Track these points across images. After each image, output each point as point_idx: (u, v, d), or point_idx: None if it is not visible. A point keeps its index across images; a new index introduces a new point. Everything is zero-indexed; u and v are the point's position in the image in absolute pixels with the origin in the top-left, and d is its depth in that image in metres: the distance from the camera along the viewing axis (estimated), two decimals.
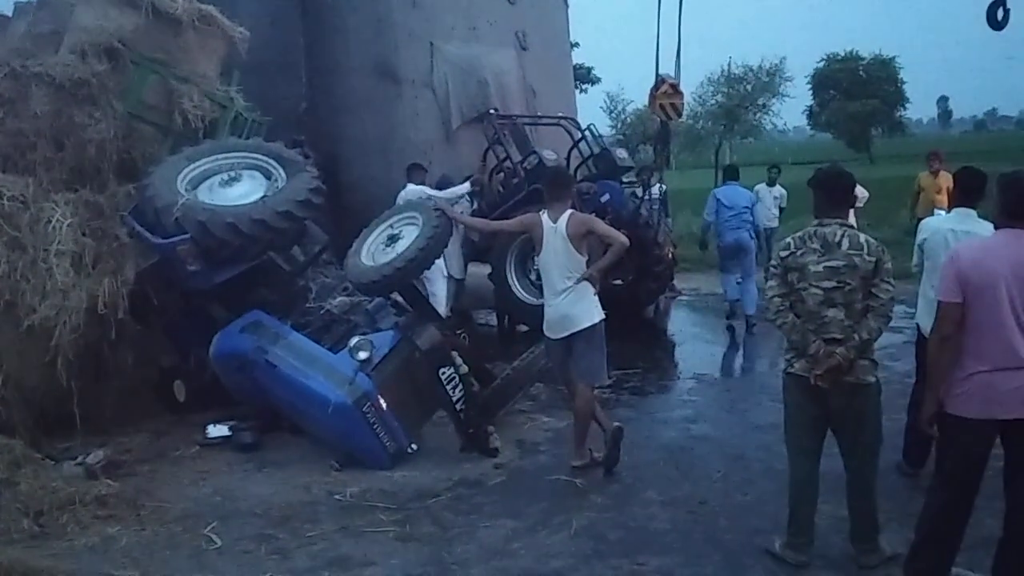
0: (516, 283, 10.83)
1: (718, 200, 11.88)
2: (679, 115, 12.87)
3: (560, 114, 13.27)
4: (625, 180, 11.79)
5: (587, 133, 12.77)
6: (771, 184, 14.72)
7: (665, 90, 11.37)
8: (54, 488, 5.92)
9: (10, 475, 5.93)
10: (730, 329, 11.86)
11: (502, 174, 11.55)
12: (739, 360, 10.50)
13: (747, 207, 11.79)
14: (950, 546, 4.44)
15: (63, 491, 5.89)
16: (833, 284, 4.67)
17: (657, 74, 11.25)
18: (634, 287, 11.50)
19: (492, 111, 12.03)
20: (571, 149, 12.35)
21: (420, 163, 10.99)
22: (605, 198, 11.08)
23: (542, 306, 9.07)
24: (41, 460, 6.35)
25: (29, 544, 5.35)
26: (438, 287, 10.32)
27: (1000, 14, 8.14)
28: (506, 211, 9.79)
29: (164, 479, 6.51)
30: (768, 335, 10.77)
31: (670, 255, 12.21)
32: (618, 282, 10.79)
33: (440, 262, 10.20)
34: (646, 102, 12.31)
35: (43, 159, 8.11)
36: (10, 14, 10.68)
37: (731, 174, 12.69)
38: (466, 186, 10.73)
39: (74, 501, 5.80)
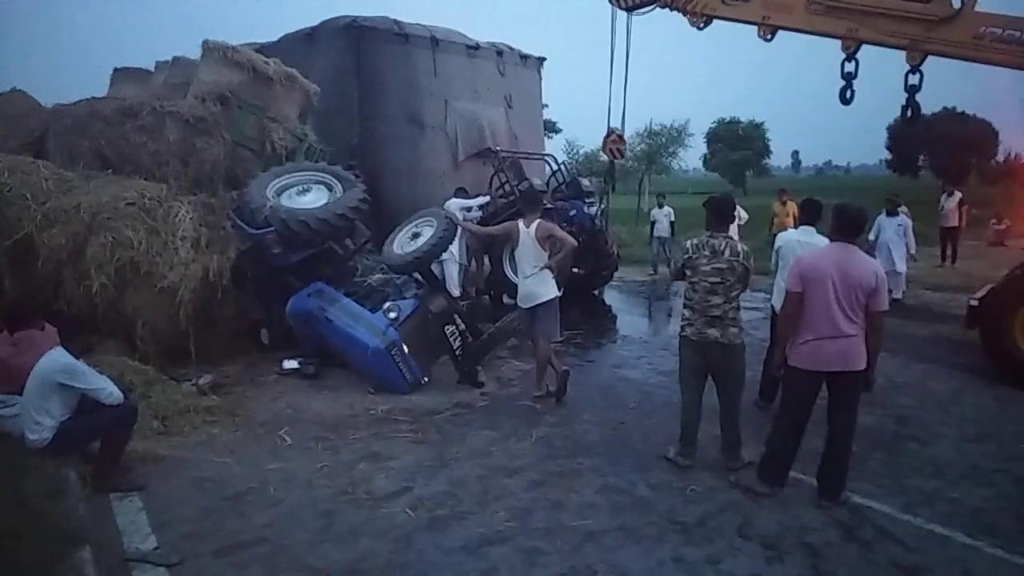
0: (509, 270, 10.78)
1: None
2: (623, 156, 12.87)
3: (544, 152, 13.31)
4: (587, 200, 11.78)
5: (562, 167, 12.77)
6: (660, 207, 14.82)
7: (613, 138, 11.34)
8: (175, 400, 5.94)
9: (145, 390, 5.92)
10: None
11: (500, 193, 11.45)
12: (650, 326, 10.53)
13: None
14: (789, 456, 4.52)
15: (181, 403, 5.92)
16: (717, 280, 4.71)
17: (608, 127, 11.20)
18: (589, 275, 11.53)
19: (496, 148, 11.92)
20: (550, 177, 12.34)
21: (464, 187, 11.13)
22: (573, 213, 11.09)
23: None
24: (167, 380, 6.33)
25: (157, 439, 5.35)
26: (452, 271, 10.37)
27: (848, 94, 8.18)
28: (504, 219, 9.68)
29: (252, 396, 6.50)
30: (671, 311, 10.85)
31: (615, 254, 12.15)
32: (578, 271, 10.81)
33: (456, 254, 10.27)
34: (596, 146, 12.29)
35: (173, 172, 8.09)
36: (152, 70, 10.58)
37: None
38: (484, 198, 10.78)
39: (189, 410, 5.83)
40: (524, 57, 13.56)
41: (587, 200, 11.74)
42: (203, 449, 5.26)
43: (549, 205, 10.99)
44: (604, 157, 12.32)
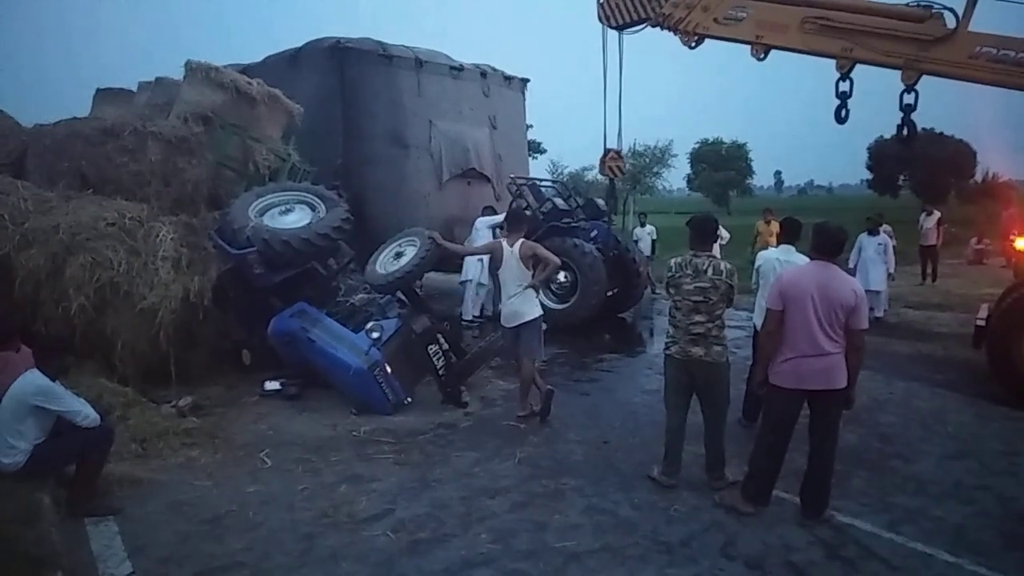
0: (541, 293, 10.44)
1: None
2: (623, 173, 12.82)
3: (555, 179, 13.38)
4: (605, 220, 11.66)
5: (574, 191, 12.67)
6: (642, 225, 14.95)
7: (612, 155, 11.30)
8: (154, 423, 5.83)
9: (123, 412, 5.83)
10: None
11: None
12: (634, 345, 10.53)
13: None
14: (772, 475, 4.52)
15: (161, 425, 5.81)
16: (700, 299, 4.73)
17: (605, 146, 11.17)
18: (620, 296, 11.28)
19: (512, 176, 11.95)
20: (566, 199, 12.19)
21: (492, 206, 11.18)
22: (594, 233, 10.91)
23: (559, 310, 9.67)
24: (146, 403, 6.23)
25: (135, 462, 5.26)
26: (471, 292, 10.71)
27: (843, 113, 8.28)
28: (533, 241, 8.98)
29: (233, 418, 6.41)
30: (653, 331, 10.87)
31: (646, 275, 11.83)
32: (610, 293, 10.65)
33: (478, 275, 10.40)
34: (581, 166, 12.42)
35: (155, 192, 8.04)
36: (135, 90, 10.57)
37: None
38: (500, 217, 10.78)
39: (168, 432, 5.72)
40: (508, 78, 13.65)
41: (604, 220, 11.67)
42: (182, 472, 5.17)
43: (574, 224, 10.91)
44: (601, 177, 12.28)
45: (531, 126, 15.47)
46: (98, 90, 10.61)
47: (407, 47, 11.87)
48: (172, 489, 4.87)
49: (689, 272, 4.77)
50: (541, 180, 12.76)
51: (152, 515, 4.50)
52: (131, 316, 6.74)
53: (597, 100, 10.72)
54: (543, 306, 10.18)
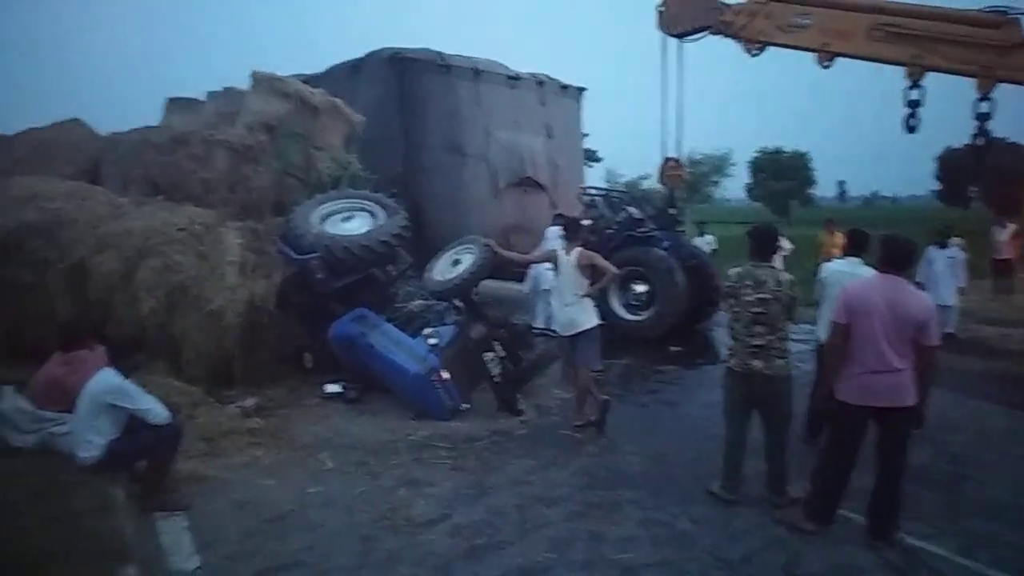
0: (618, 305, 10.31)
1: None
2: (683, 182, 12.62)
3: (626, 189, 13.26)
4: (679, 230, 11.48)
5: (643, 199, 12.56)
6: (701, 235, 14.85)
7: (671, 165, 11.15)
8: (220, 422, 6.02)
9: (191, 412, 6.02)
10: None
11: (593, 228, 10.72)
12: (693, 357, 10.37)
13: None
14: (837, 494, 4.41)
15: (226, 424, 6.01)
16: (760, 311, 4.66)
17: (664, 155, 11.02)
18: (699, 308, 10.82)
19: (581, 187, 11.96)
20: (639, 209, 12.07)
21: (562, 213, 10.91)
22: (666, 244, 10.62)
23: (636, 322, 9.62)
24: (212, 403, 6.43)
25: (202, 459, 5.45)
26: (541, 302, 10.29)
27: (913, 122, 8.06)
28: (607, 254, 8.04)
29: (295, 420, 6.56)
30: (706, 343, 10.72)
31: (721, 285, 11.48)
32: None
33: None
34: (639, 175, 12.30)
35: (221, 199, 8.29)
36: (204, 99, 10.94)
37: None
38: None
39: (234, 432, 5.91)
40: (564, 87, 13.68)
41: (678, 230, 11.46)
42: (246, 471, 5.34)
43: (649, 234, 10.78)
44: (659, 186, 12.09)
45: (587, 134, 15.46)
46: (169, 99, 11.03)
47: (465, 57, 12.01)
48: (237, 487, 5.03)
49: (749, 283, 4.72)
50: (612, 190, 12.64)
51: (218, 512, 4.66)
52: (199, 318, 6.96)
53: (653, 108, 10.65)
54: (620, 318, 10.23)
